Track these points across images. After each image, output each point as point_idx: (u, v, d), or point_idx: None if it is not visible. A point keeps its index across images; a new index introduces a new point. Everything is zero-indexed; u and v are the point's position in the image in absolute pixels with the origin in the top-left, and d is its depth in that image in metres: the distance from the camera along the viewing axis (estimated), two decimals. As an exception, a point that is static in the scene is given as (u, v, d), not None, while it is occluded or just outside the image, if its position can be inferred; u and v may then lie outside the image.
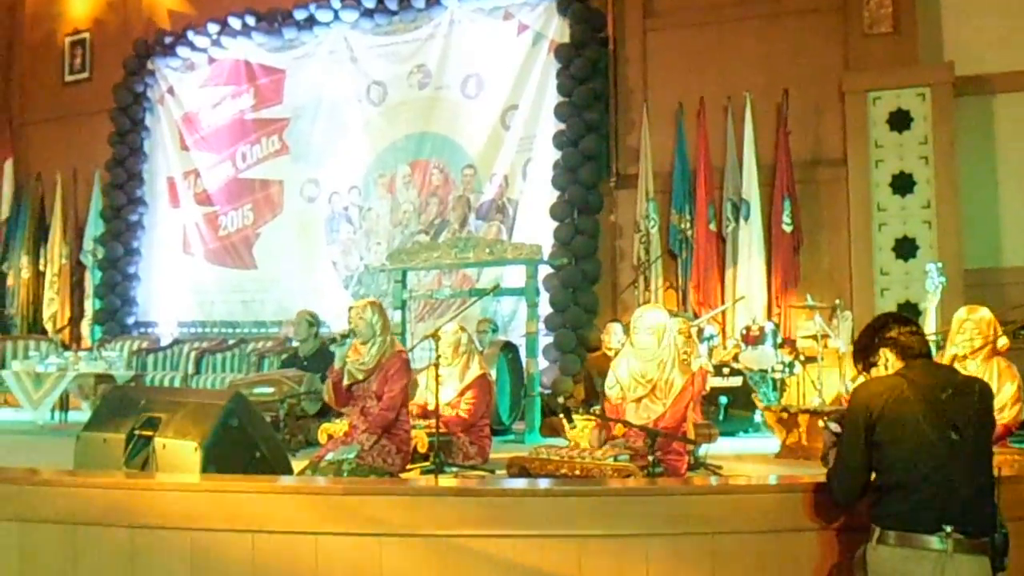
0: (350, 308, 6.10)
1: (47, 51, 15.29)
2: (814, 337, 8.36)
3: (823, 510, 3.87)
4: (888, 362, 3.54)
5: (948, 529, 3.22)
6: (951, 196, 9.83)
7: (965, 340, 5.57)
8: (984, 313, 5.63)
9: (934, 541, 3.23)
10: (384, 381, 5.85)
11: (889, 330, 3.57)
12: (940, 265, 8.16)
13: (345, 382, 5.94)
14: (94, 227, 14.12)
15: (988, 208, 10.10)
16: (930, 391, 3.37)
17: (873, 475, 3.46)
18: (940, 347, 7.02)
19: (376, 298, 6.45)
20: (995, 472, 3.40)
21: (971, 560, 3.23)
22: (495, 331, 10.29)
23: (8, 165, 14.80)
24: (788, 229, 10.32)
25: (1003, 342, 5.60)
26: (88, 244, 14.13)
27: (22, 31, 15.59)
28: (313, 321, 9.26)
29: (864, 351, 3.65)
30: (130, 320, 13.84)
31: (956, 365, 5.54)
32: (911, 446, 3.31)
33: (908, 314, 9.07)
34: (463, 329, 7.35)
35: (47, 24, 15.35)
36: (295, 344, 9.28)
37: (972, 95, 10.09)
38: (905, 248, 9.94)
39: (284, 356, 9.64)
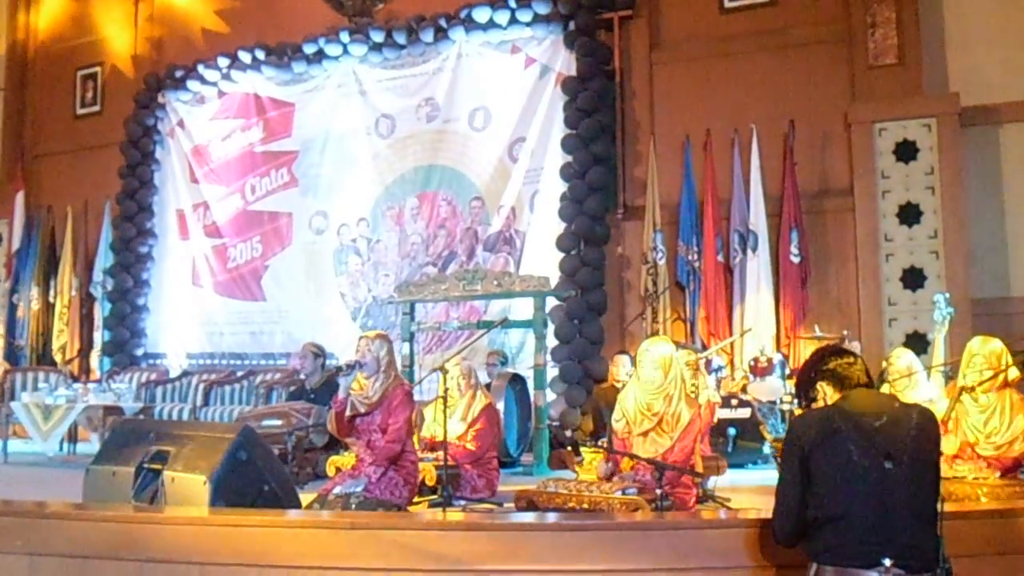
0: (360, 338, 6.10)
1: (59, 85, 15.45)
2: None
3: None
4: (826, 395, 3.49)
5: (887, 563, 3.09)
6: (958, 226, 9.84)
7: (974, 373, 5.55)
8: (996, 345, 5.61)
9: None
10: (388, 414, 5.84)
11: (826, 363, 3.52)
12: (948, 295, 8.14)
13: (348, 413, 5.94)
14: (104, 259, 14.18)
15: (995, 238, 10.11)
16: (862, 420, 3.28)
17: (808, 509, 3.34)
18: (950, 378, 7.01)
19: (385, 331, 6.45)
20: (939, 504, 3.26)
21: None
22: (504, 363, 10.33)
23: (19, 197, 14.88)
24: (796, 260, 10.33)
25: (1014, 374, 5.58)
26: (98, 276, 14.18)
27: (34, 65, 15.75)
28: (319, 353, 9.27)
29: (803, 386, 3.61)
30: (139, 352, 13.86)
31: (966, 397, 5.53)
32: (843, 477, 3.21)
33: (913, 345, 9.16)
34: (463, 362, 7.37)
35: (59, 58, 15.51)
36: (303, 377, 9.28)
37: (978, 125, 10.14)
38: (913, 278, 9.94)
39: (291, 388, 9.65)
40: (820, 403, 3.50)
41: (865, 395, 3.46)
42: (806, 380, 3.60)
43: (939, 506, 3.25)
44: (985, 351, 5.58)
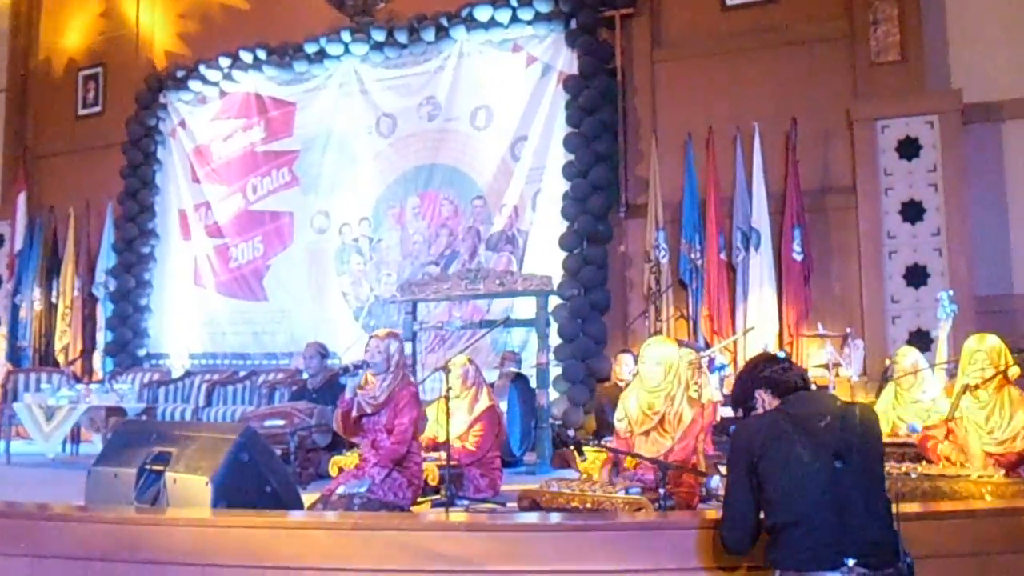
0: (370, 337, 6.07)
1: (60, 85, 15.46)
2: (826, 366, 8.33)
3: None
4: (765, 402, 3.50)
5: (850, 563, 3.09)
6: (961, 223, 9.81)
7: (976, 370, 5.54)
8: (993, 341, 5.60)
9: None
10: (394, 414, 5.82)
11: (761, 371, 3.54)
12: (951, 292, 8.14)
13: (354, 413, 5.92)
14: (106, 259, 14.19)
15: (998, 234, 10.08)
16: (808, 421, 3.29)
17: (763, 516, 3.34)
18: (952, 375, 7.01)
19: (396, 330, 6.43)
20: (890, 498, 3.26)
21: None
22: (519, 364, 10.32)
23: (21, 198, 14.88)
24: (798, 258, 10.30)
25: (1014, 371, 5.57)
26: (100, 276, 14.19)
27: (35, 66, 15.75)
28: (324, 353, 9.27)
29: (741, 396, 3.62)
30: (141, 352, 13.88)
31: (968, 395, 5.52)
32: (795, 480, 3.21)
33: (916, 342, 9.16)
34: (471, 361, 7.34)
35: (60, 59, 15.53)
36: (306, 376, 9.27)
37: (981, 122, 10.12)
38: (916, 276, 9.92)
39: (294, 388, 9.63)
40: (760, 411, 3.51)
41: (807, 397, 3.49)
42: (743, 389, 3.61)
43: (894, 500, 3.26)
44: (985, 347, 5.58)
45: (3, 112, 15.74)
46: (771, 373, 3.50)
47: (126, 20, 14.95)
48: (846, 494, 3.17)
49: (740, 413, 3.63)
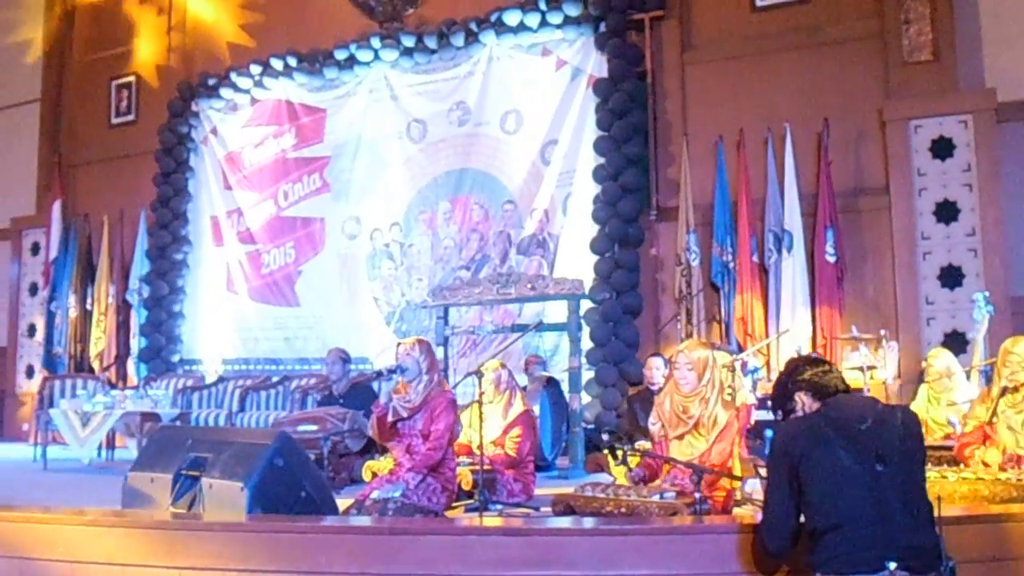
0: (398, 344, 6.08)
1: (94, 95, 15.62)
2: (860, 368, 8.27)
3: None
4: (804, 405, 3.49)
5: (892, 567, 3.07)
6: (996, 223, 9.72)
7: (1010, 373, 5.48)
8: None
9: None
10: (430, 420, 5.82)
11: (801, 373, 3.53)
12: (987, 294, 8.06)
13: (390, 418, 5.93)
14: (140, 266, 14.29)
15: (1034, 234, 9.97)
16: (848, 425, 3.27)
17: (804, 519, 3.32)
18: (989, 378, 6.93)
19: (423, 336, 6.45)
20: (939, 502, 3.24)
21: None
22: (543, 367, 10.32)
23: (56, 206, 15.08)
24: (832, 259, 10.22)
25: None
26: (134, 283, 14.30)
27: (70, 75, 15.94)
28: (347, 359, 9.30)
29: (780, 399, 3.60)
30: (175, 358, 13.99)
31: (1007, 398, 5.46)
32: (837, 483, 3.19)
33: (952, 344, 9.08)
34: (503, 365, 7.33)
35: (93, 69, 15.69)
36: (331, 382, 9.31)
37: (1015, 121, 10.00)
38: (950, 277, 9.83)
39: (322, 395, 9.67)
40: (799, 414, 3.50)
41: (847, 400, 3.46)
42: (783, 392, 3.60)
43: (936, 505, 3.23)
44: (1018, 349, 5.52)
45: (38, 121, 15.93)
46: (811, 376, 3.49)
47: (157, 29, 15.07)
48: (887, 497, 3.14)
49: (779, 416, 3.60)
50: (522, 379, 9.64)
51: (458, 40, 12.32)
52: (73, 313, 14.66)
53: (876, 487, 3.16)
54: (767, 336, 10.31)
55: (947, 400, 6.83)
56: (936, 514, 3.20)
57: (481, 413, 6.43)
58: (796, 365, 3.60)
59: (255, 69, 13.58)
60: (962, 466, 5.57)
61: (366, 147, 13.18)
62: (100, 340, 14.44)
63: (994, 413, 5.50)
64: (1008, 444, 5.45)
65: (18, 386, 15.29)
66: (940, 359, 7.03)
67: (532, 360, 10.39)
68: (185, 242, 14.21)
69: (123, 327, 14.54)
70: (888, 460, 3.19)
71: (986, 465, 5.51)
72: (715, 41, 11.41)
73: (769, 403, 3.64)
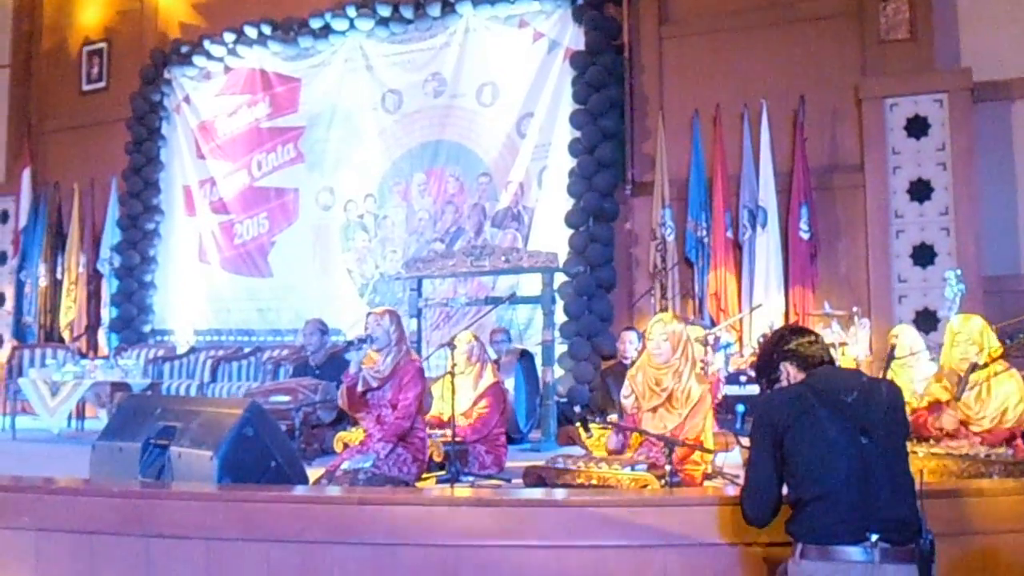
0: (368, 315, 6.09)
1: (64, 61, 15.38)
2: (832, 345, 8.30)
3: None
4: (789, 375, 3.48)
5: (874, 538, 3.08)
6: (969, 202, 9.77)
7: (959, 350, 5.55)
8: (977, 323, 5.62)
9: (858, 552, 3.09)
10: (398, 389, 5.83)
11: (787, 343, 3.52)
12: (959, 272, 8.11)
13: (360, 388, 5.92)
14: (111, 235, 14.16)
15: (1007, 214, 10.02)
16: (834, 396, 3.27)
17: (786, 489, 3.33)
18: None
19: (393, 307, 6.44)
20: (915, 476, 3.25)
21: (898, 570, 3.08)
22: (508, 340, 10.31)
23: (26, 174, 14.86)
24: (805, 236, 10.26)
25: (996, 349, 5.57)
26: (105, 252, 14.17)
27: (39, 42, 15.68)
28: (324, 330, 9.25)
29: (765, 367, 3.60)
30: (146, 328, 13.88)
31: (976, 374, 5.49)
32: (821, 454, 3.19)
33: (923, 322, 9.16)
34: (476, 338, 7.32)
35: (64, 34, 15.45)
36: (308, 353, 9.26)
37: (990, 101, 10.04)
38: (923, 255, 9.89)
39: (296, 365, 9.63)
40: (784, 383, 3.50)
41: (832, 372, 3.47)
42: (768, 361, 3.59)
43: (919, 478, 3.25)
44: (967, 328, 5.59)
45: (7, 88, 15.65)
46: (797, 346, 3.49)
47: (131, -5, 14.89)
48: (871, 470, 3.16)
49: (764, 384, 3.60)
50: (491, 351, 9.63)
51: (434, 10, 12.21)
52: (43, 282, 14.52)
53: (861, 459, 3.16)
54: (740, 312, 10.35)
55: (907, 377, 6.87)
56: (918, 487, 3.22)
57: (453, 385, 6.42)
58: (782, 334, 3.60)
59: (229, 37, 13.41)
60: (932, 441, 5.60)
61: (341, 117, 13.07)
62: (71, 310, 14.31)
63: (963, 390, 5.52)
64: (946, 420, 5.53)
65: (-13, 355, 15.15)
66: (904, 335, 7.09)
67: (497, 330, 10.36)
68: (157, 211, 14.06)
69: (94, 297, 14.41)
70: (873, 433, 3.19)
71: (942, 431, 5.56)
72: (693, 15, 11.37)
73: (753, 372, 3.64)
